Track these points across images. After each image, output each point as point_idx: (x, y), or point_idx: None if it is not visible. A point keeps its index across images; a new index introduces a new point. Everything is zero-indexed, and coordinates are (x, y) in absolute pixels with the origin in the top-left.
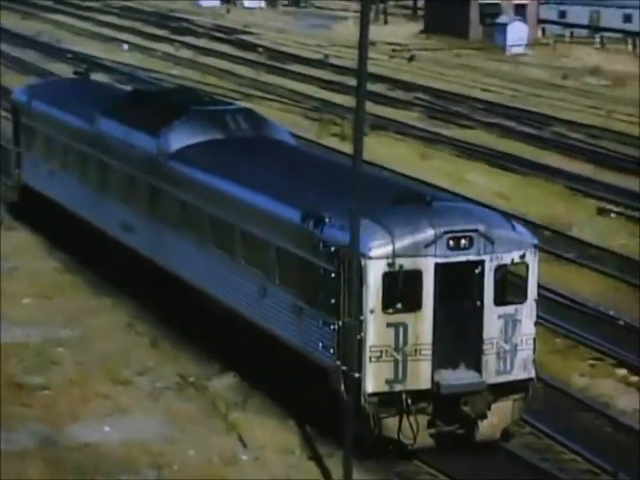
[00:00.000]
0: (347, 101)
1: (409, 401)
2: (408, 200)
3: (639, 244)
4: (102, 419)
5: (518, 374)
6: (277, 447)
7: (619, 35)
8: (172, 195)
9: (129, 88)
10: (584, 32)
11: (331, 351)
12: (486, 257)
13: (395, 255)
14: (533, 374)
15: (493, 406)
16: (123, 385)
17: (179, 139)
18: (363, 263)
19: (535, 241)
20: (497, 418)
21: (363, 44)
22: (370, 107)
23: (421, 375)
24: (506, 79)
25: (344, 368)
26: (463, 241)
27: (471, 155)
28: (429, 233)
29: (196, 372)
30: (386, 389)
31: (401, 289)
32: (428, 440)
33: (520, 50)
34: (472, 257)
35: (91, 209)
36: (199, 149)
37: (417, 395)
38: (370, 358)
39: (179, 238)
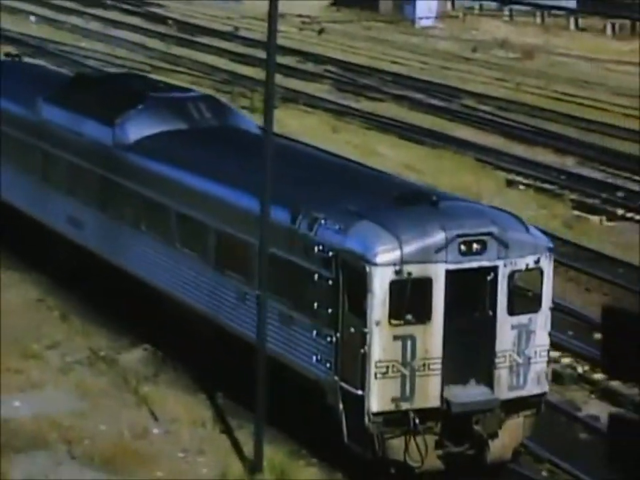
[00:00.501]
0: (257, 73)
1: (417, 420)
2: (412, 199)
3: (547, 215)
4: (12, 393)
5: (531, 389)
6: (188, 420)
7: (527, 8)
8: (129, 189)
9: (67, 72)
10: (493, 4)
11: (327, 365)
12: (499, 263)
13: (402, 261)
14: (546, 388)
15: (504, 424)
16: (33, 360)
17: (137, 128)
18: (367, 269)
19: (550, 245)
20: (508, 437)
21: (273, 16)
22: (280, 79)
23: (430, 392)
24: (415, 51)
25: (343, 384)
26: (475, 245)
27: (381, 127)
28: (440, 236)
29: (107, 346)
30: (392, 407)
31: (409, 299)
32: (436, 462)
33: (429, 22)
34: (485, 263)
35: (32, 202)
36: (160, 140)
37: (425, 414)
38: (375, 374)
39: (138, 236)
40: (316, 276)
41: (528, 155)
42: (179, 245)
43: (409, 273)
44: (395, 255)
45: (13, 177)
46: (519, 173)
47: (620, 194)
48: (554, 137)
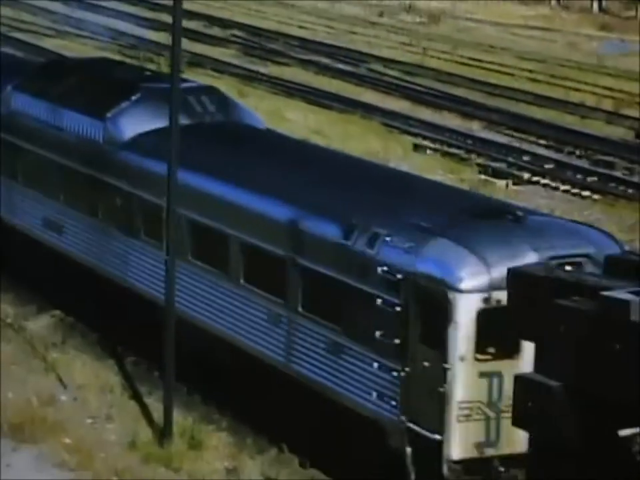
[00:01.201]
0: (163, 38)
1: (501, 468)
2: (492, 214)
3: (454, 180)
4: None
5: None
6: (96, 387)
7: None
8: (125, 192)
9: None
10: None
11: (391, 403)
12: None
13: (491, 287)
14: None
15: None
16: None
17: (133, 124)
18: (450, 297)
19: None
20: None
21: None
22: (186, 44)
23: (517, 436)
24: (322, 16)
25: (412, 426)
26: (570, 269)
27: (288, 92)
28: (531, 258)
29: (14, 313)
30: (474, 454)
31: (498, 330)
32: None
33: None
34: None
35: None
36: (160, 136)
37: (510, 461)
38: (456, 417)
39: (135, 245)
40: (378, 301)
41: (435, 119)
42: (191, 257)
43: (498, 301)
44: (483, 280)
45: None
46: (425, 137)
47: (526, 158)
48: (460, 102)
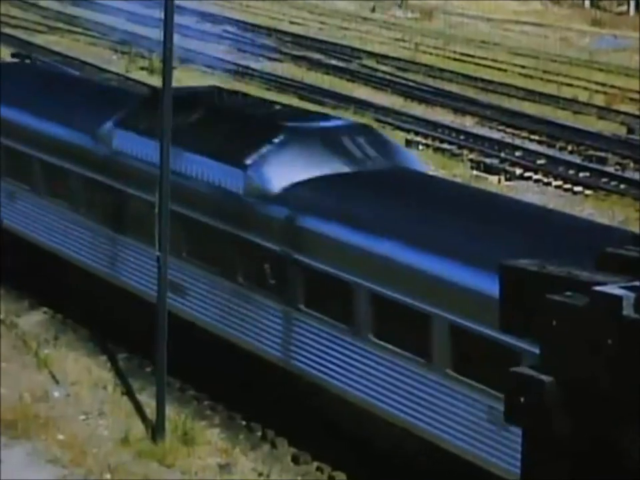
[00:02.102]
0: (155, 33)
1: None
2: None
3: (446, 175)
4: None
5: None
6: (89, 383)
7: None
8: (275, 254)
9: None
10: None
11: None
12: None
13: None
14: None
15: None
16: None
17: (282, 172)
18: None
19: None
20: None
21: None
22: (178, 39)
23: None
24: (314, 11)
25: None
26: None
27: (280, 87)
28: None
29: (6, 309)
30: None
31: None
32: None
33: None
34: None
35: (100, 260)
36: (316, 188)
37: None
38: None
39: (297, 318)
40: None
41: (427, 115)
42: (369, 333)
43: None
44: None
45: (71, 230)
46: (417, 133)
47: (518, 153)
48: (453, 97)
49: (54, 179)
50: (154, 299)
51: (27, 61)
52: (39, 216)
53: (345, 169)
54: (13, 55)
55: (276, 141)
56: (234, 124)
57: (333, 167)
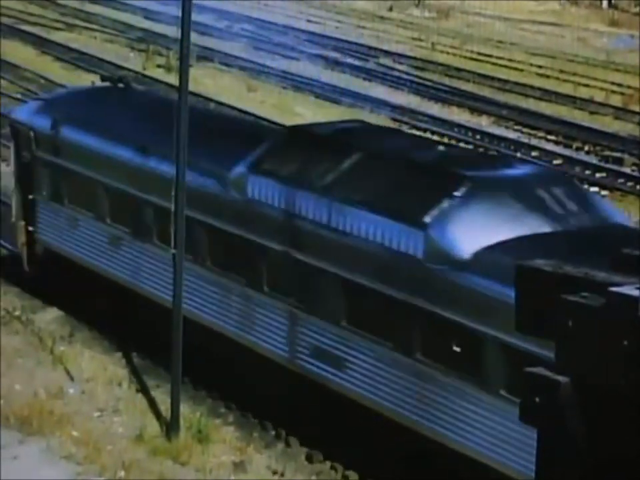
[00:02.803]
0: (172, 31)
1: None
2: None
3: None
4: None
5: None
6: (104, 380)
7: None
8: (471, 333)
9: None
10: None
11: None
12: None
13: None
14: None
15: None
16: None
17: (471, 233)
18: None
19: None
20: None
21: None
22: (195, 37)
23: None
24: (331, 10)
25: None
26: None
27: (297, 86)
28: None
29: (21, 305)
30: None
31: None
32: None
33: None
34: None
35: (229, 319)
36: (517, 252)
37: None
38: None
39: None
40: None
41: (443, 115)
42: None
43: None
44: None
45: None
46: (434, 132)
47: (534, 153)
48: (469, 97)
49: (163, 225)
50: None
51: (120, 85)
52: (151, 266)
53: (545, 228)
54: (103, 79)
55: (458, 193)
56: (400, 171)
57: (531, 225)
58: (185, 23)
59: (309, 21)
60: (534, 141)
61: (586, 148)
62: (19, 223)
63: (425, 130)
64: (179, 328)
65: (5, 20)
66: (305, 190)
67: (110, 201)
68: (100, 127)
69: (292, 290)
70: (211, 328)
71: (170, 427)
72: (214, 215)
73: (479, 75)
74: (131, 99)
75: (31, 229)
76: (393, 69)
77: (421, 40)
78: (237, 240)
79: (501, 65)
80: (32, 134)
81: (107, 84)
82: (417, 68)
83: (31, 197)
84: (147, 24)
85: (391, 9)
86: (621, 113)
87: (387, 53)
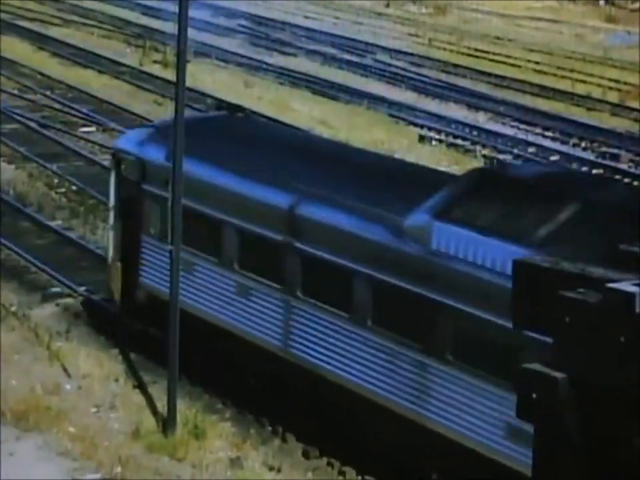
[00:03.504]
0: (169, 27)
1: None
2: None
3: (459, 171)
4: None
5: None
6: (100, 376)
7: None
8: None
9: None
10: None
11: None
12: None
13: None
14: None
15: None
16: None
17: None
18: None
19: None
20: None
21: None
22: (193, 33)
23: None
24: (329, 6)
25: None
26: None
27: (294, 82)
28: None
29: (17, 301)
30: None
31: None
32: None
33: None
34: None
35: (401, 392)
36: None
37: None
38: None
39: None
40: None
41: (440, 111)
42: None
43: None
44: None
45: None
46: (431, 129)
47: (531, 149)
48: (466, 93)
49: (309, 276)
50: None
51: (240, 115)
52: (294, 324)
53: None
54: (218, 107)
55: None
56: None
57: None
58: (182, 19)
59: (306, 17)
60: (531, 137)
61: (583, 144)
62: (116, 264)
63: (422, 126)
64: (176, 323)
65: (2, 16)
66: (512, 242)
67: (240, 244)
68: (226, 161)
69: (488, 365)
70: (375, 402)
71: (166, 423)
72: (381, 267)
73: (476, 71)
74: (256, 131)
75: (131, 270)
76: (390, 65)
77: (418, 36)
78: (412, 298)
79: (498, 62)
80: (140, 165)
81: (223, 112)
82: (414, 64)
83: (134, 234)
84: (144, 20)
85: (388, 5)
86: (618, 109)
87: (384, 49)
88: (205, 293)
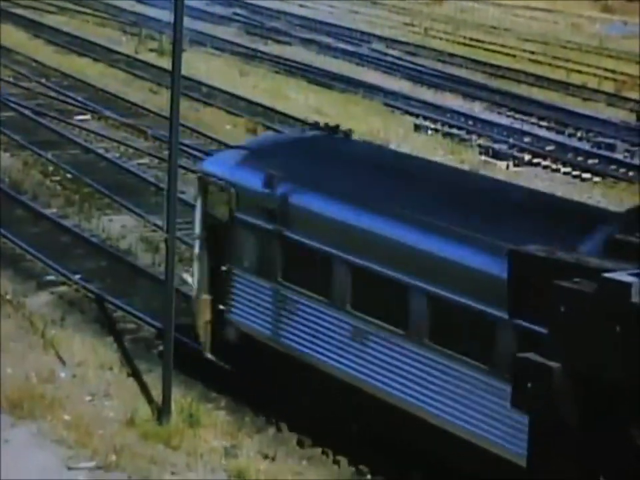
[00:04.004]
0: (165, 15)
1: None
2: None
3: (454, 160)
4: None
5: None
6: (95, 364)
7: None
8: None
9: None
10: None
11: None
12: None
13: None
14: None
15: None
16: None
17: None
18: None
19: None
20: None
21: None
22: (188, 22)
23: None
24: None
25: None
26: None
27: (289, 71)
28: None
29: (12, 289)
30: None
31: None
32: None
33: None
34: None
35: None
36: None
37: None
38: None
39: None
40: None
41: (436, 100)
42: None
43: None
44: None
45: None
46: (426, 118)
47: (527, 139)
48: (462, 82)
49: (439, 320)
50: None
51: (339, 135)
52: (423, 376)
53: None
54: (313, 127)
55: None
56: None
57: None
58: (178, 7)
59: (301, 5)
60: (526, 127)
61: (578, 134)
62: (203, 298)
63: (417, 115)
64: (171, 310)
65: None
66: None
67: (353, 282)
68: (334, 188)
69: None
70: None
71: (161, 411)
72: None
73: (472, 60)
74: (360, 153)
75: (221, 307)
76: (385, 54)
77: (413, 25)
78: None
79: (494, 51)
80: (233, 191)
81: (320, 132)
82: (409, 53)
83: (224, 267)
84: (139, 8)
85: None
86: (613, 99)
87: (380, 38)
88: (311, 335)
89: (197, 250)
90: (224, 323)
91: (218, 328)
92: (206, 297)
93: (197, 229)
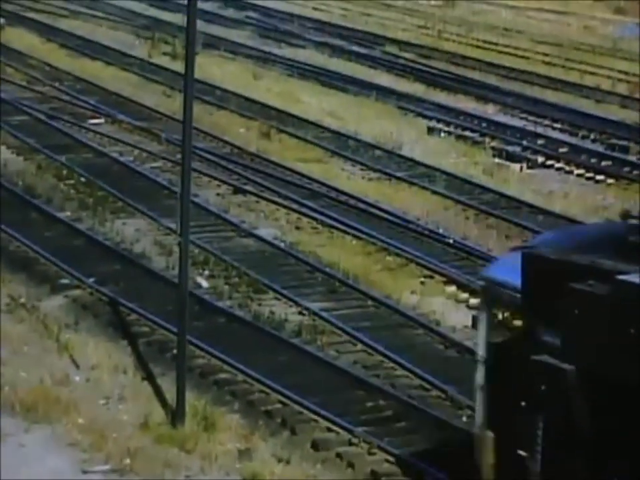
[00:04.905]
0: (178, 19)
1: None
2: None
3: (467, 163)
4: None
5: None
6: (109, 367)
7: None
8: None
9: None
10: None
11: None
12: None
13: None
14: None
15: None
16: None
17: None
18: None
19: None
20: None
21: None
22: (201, 25)
23: None
24: None
25: None
26: None
27: (302, 74)
28: None
29: (26, 293)
30: None
31: None
32: None
33: None
34: None
35: None
36: None
37: None
38: None
39: None
40: None
41: (449, 103)
42: None
43: None
44: None
45: None
46: (439, 120)
47: (540, 141)
48: (475, 85)
49: None
50: None
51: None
52: None
53: None
54: (624, 216)
55: None
56: None
57: None
58: (191, 11)
59: (315, 8)
60: (539, 129)
61: (592, 136)
62: (486, 435)
63: (430, 118)
64: (184, 314)
65: (10, 7)
66: None
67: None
68: None
69: None
70: None
71: (175, 414)
72: None
73: (485, 62)
74: None
75: (521, 453)
76: (398, 56)
77: (426, 28)
78: None
79: (506, 53)
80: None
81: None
82: (422, 56)
83: (523, 402)
84: (152, 11)
85: None
86: (627, 101)
87: (393, 41)
88: None
89: (480, 377)
90: (512, 465)
91: (506, 470)
92: (490, 434)
93: (481, 350)
